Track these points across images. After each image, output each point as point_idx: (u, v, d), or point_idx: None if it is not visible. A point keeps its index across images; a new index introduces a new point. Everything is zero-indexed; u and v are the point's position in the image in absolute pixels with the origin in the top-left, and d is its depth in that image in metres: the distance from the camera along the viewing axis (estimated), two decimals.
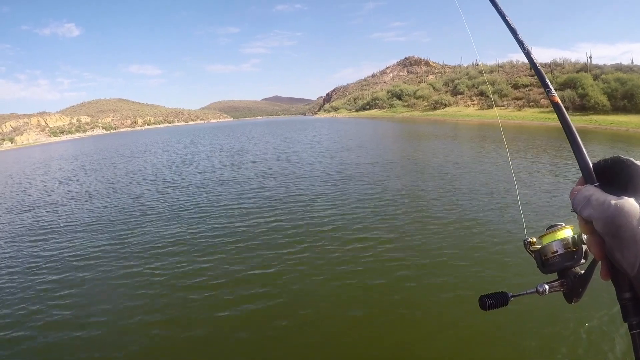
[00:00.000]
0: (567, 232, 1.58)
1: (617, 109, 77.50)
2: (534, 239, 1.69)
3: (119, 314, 11.25)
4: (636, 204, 1.09)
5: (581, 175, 1.36)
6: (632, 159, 1.22)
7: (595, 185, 1.25)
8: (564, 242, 1.56)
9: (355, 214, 18.84)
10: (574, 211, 1.26)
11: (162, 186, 30.84)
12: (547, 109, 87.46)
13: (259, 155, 46.84)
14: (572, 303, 1.56)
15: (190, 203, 24.12)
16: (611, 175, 1.26)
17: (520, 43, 2.09)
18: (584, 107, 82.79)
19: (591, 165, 1.34)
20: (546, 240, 1.61)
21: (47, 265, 15.68)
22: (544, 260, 1.61)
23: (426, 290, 11.06)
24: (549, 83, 1.70)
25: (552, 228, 1.62)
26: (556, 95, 1.64)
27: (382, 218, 17.78)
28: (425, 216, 17.37)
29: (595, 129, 64.05)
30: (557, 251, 1.56)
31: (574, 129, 1.45)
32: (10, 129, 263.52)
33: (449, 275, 11.82)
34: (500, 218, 14.87)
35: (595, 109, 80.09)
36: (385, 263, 13.02)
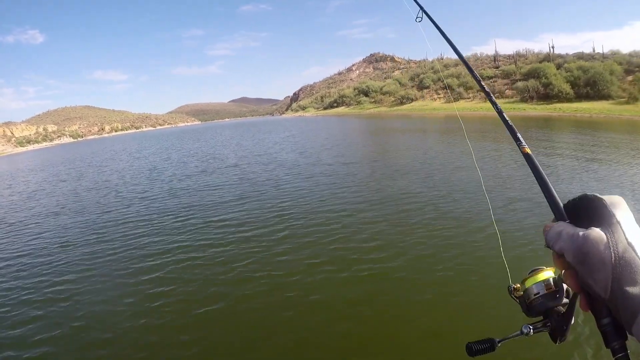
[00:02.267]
0: (547, 274, 1.63)
1: (580, 97, 79.08)
2: (518, 285, 1.74)
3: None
4: (602, 232, 1.21)
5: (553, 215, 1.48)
6: (596, 194, 1.34)
7: (566, 222, 1.36)
8: (545, 283, 1.60)
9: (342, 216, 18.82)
10: (547, 246, 1.36)
11: (131, 196, 30.20)
12: (512, 100, 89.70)
13: (234, 159, 46.05)
14: (558, 342, 1.57)
15: (165, 213, 23.51)
16: (579, 211, 1.37)
17: (488, 94, 2.42)
18: (547, 95, 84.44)
19: (561, 205, 1.45)
20: (528, 283, 1.66)
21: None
22: (528, 304, 1.65)
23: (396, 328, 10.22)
24: (519, 136, 1.87)
25: (533, 271, 1.67)
26: (527, 147, 1.81)
27: (363, 223, 17.47)
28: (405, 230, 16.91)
29: (560, 116, 65.17)
30: (539, 293, 1.61)
31: (544, 175, 1.59)
32: None
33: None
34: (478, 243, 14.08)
35: (559, 97, 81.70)
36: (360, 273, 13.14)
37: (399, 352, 8.83)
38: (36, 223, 25.71)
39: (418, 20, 3.91)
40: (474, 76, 2.58)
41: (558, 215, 1.44)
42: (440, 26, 3.41)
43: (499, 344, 1.68)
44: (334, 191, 23.42)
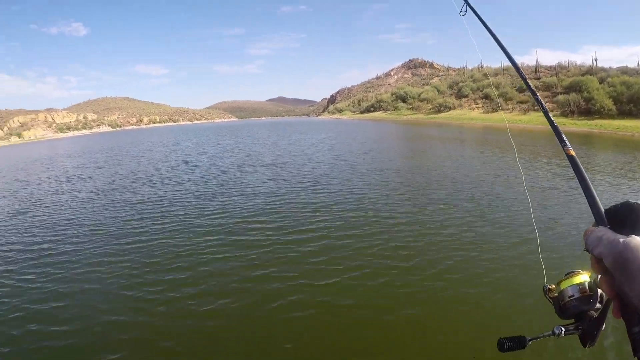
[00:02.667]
0: (583, 277, 1.64)
1: (623, 113, 76.30)
2: (553, 286, 1.75)
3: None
4: None
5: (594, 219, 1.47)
6: (639, 202, 1.35)
7: (607, 228, 1.36)
8: (581, 287, 1.62)
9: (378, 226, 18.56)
10: (587, 250, 1.37)
11: (166, 188, 30.48)
12: (552, 113, 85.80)
13: (270, 158, 46.15)
14: (587, 347, 1.58)
15: (198, 207, 23.65)
16: (621, 218, 1.37)
17: (534, 93, 2.56)
18: (589, 111, 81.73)
19: (603, 210, 1.44)
20: (564, 285, 1.68)
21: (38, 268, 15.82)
22: (561, 305, 1.66)
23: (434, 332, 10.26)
24: (564, 137, 1.87)
25: (569, 274, 1.69)
26: (571, 148, 1.81)
27: (396, 233, 17.18)
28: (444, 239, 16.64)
29: (601, 133, 63.53)
30: (573, 295, 1.62)
31: (588, 179, 1.59)
32: (18, 124, 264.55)
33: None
34: (518, 258, 13.87)
35: (601, 113, 78.78)
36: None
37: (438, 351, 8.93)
38: (70, 207, 26.11)
39: (462, 13, 3.81)
40: (519, 74, 2.67)
41: (599, 220, 1.44)
42: (485, 21, 3.35)
43: (530, 342, 1.76)
44: (370, 197, 23.23)
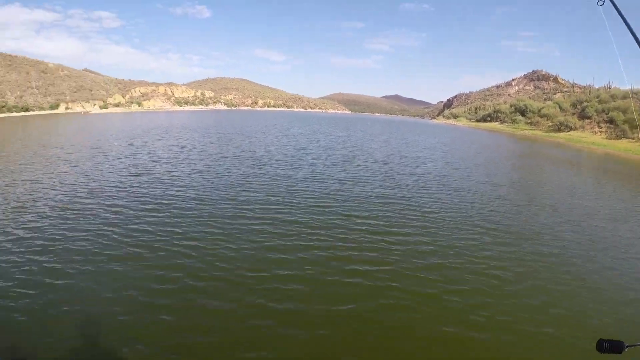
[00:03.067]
0: None
1: None
2: None
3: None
4: None
5: None
6: None
7: None
8: None
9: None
10: None
11: (274, 172, 31.01)
12: None
13: (381, 156, 46.12)
14: None
15: (306, 195, 23.99)
16: None
17: None
18: None
19: None
20: None
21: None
22: None
23: None
24: None
25: None
26: None
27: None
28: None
29: None
30: None
31: None
32: (139, 94, 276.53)
33: None
34: None
35: None
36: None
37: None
38: (179, 177, 27.61)
39: (600, 3, 3.70)
40: None
41: None
42: (623, 14, 3.10)
43: (626, 349, 1.87)
44: (479, 212, 22.69)
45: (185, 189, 24.27)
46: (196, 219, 18.17)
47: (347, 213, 20.46)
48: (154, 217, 18.37)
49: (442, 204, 23.65)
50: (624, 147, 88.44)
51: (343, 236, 16.87)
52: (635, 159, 71.04)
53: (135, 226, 16.86)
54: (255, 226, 17.44)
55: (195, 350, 9.35)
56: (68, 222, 17.53)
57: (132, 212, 18.95)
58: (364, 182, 29.17)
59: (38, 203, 20.47)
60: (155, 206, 20.27)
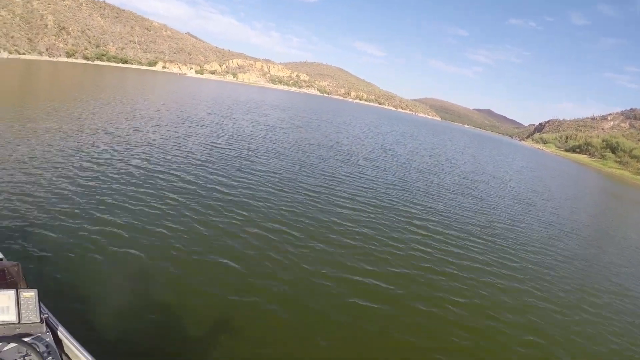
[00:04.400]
0: None
1: None
2: None
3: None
4: None
5: None
6: None
7: None
8: None
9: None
10: None
11: (355, 170, 30.43)
12: None
13: (468, 171, 45.21)
14: None
15: (389, 200, 23.55)
16: None
17: None
18: None
19: None
20: None
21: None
22: None
23: None
24: None
25: None
26: None
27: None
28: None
29: None
30: None
31: None
32: (236, 65, 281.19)
33: None
34: None
35: None
36: None
37: None
38: (257, 156, 28.11)
39: None
40: None
41: None
42: None
43: None
44: (566, 245, 22.46)
45: (263, 167, 24.69)
46: (264, 204, 17.99)
47: (418, 227, 19.54)
48: (218, 195, 18.10)
49: (530, 234, 23.00)
50: None
51: (420, 253, 16.12)
52: None
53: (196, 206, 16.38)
54: (333, 233, 16.34)
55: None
56: (129, 177, 18.18)
57: (199, 189, 18.45)
58: (447, 193, 28.82)
59: (104, 156, 21.17)
60: (223, 180, 20.45)
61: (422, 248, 16.30)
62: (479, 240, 19.19)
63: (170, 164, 21.26)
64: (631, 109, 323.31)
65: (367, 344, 9.58)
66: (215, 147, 28.11)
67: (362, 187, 24.97)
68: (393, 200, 23.22)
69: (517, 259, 17.75)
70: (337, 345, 9.29)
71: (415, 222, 19.87)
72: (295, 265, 12.48)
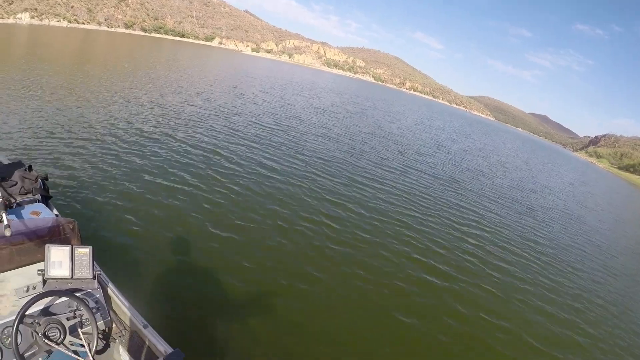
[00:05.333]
0: None
1: None
2: None
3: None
4: None
5: None
6: None
7: None
8: None
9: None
10: None
11: (409, 164, 30.11)
12: None
13: (519, 177, 44.03)
14: None
15: (438, 201, 23.19)
16: None
17: None
18: None
19: None
20: None
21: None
22: None
23: None
24: None
25: None
26: None
27: None
28: None
29: None
30: None
31: None
32: (293, 46, 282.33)
33: None
34: None
35: None
36: None
37: None
38: (305, 139, 27.82)
39: None
40: None
41: None
42: None
43: None
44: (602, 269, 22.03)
45: (304, 153, 23.85)
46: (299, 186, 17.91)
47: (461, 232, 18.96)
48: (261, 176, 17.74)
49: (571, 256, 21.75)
50: None
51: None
52: None
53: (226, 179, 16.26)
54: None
55: None
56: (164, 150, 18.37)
57: (236, 166, 18.20)
58: (497, 198, 28.20)
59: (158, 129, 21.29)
60: (265, 162, 20.01)
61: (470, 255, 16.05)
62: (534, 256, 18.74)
63: (215, 140, 21.22)
64: None
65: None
66: (264, 126, 28.14)
67: (413, 182, 24.62)
68: (443, 200, 22.81)
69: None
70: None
71: (464, 228, 19.27)
72: (333, 257, 12.34)
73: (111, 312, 4.56)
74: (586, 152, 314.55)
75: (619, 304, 16.66)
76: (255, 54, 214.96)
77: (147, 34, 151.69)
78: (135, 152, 16.18)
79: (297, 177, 18.76)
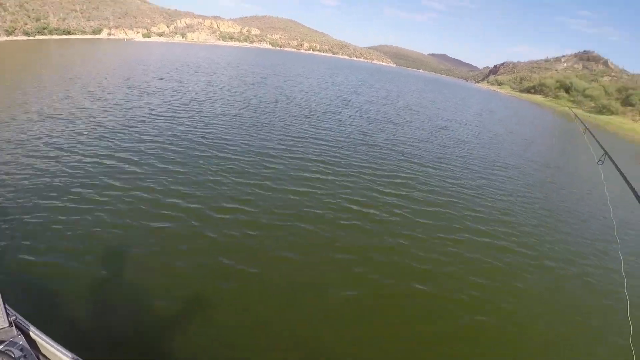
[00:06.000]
0: None
1: None
2: None
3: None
4: None
5: None
6: None
7: None
8: None
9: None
10: None
11: (307, 125, 30.53)
12: None
13: (427, 117, 45.51)
14: None
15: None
16: None
17: None
18: None
19: None
20: None
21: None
22: None
23: None
24: None
25: None
26: None
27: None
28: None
29: None
30: None
31: None
32: (184, 25, 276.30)
33: None
34: None
35: None
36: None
37: None
38: (205, 123, 27.17)
39: (600, 163, 4.35)
40: None
41: None
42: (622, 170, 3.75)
43: None
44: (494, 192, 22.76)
45: (207, 139, 23.51)
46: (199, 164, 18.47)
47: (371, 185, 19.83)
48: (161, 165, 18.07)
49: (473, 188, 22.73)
50: None
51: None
52: None
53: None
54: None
55: None
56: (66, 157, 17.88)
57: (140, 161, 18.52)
58: (408, 144, 28.95)
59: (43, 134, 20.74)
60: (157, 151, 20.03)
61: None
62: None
63: (109, 144, 20.23)
64: (584, 51, 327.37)
65: None
66: (162, 116, 27.33)
67: (323, 145, 24.87)
68: (358, 157, 23.49)
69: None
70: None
71: (384, 179, 19.61)
72: (253, 246, 12.31)
73: (41, 357, 4.34)
74: (488, 82, 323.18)
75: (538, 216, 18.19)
76: (147, 39, 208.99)
77: (31, 38, 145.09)
78: (24, 174, 15.22)
79: (205, 166, 18.40)
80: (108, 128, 22.87)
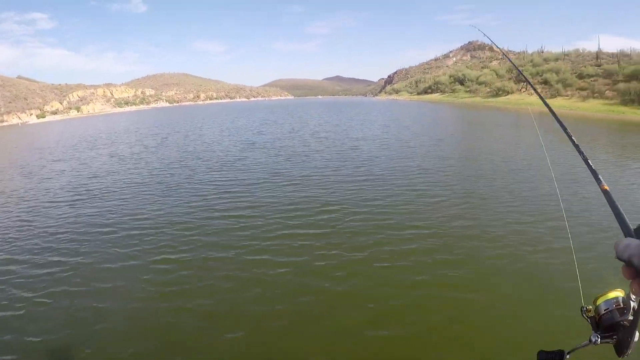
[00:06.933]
0: (617, 293, 1.96)
1: None
2: (590, 307, 2.03)
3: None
4: None
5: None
6: None
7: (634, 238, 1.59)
8: (615, 301, 1.92)
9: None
10: (617, 258, 1.58)
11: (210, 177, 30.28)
12: (612, 101, 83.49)
13: (334, 141, 46.46)
14: (622, 356, 1.79)
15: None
16: None
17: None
18: None
19: (631, 227, 1.70)
20: (599, 301, 1.99)
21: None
22: (597, 320, 1.96)
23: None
24: (600, 177, 2.18)
25: (604, 292, 2.00)
26: (605, 184, 2.12)
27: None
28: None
29: None
30: (608, 309, 1.92)
31: (622, 211, 1.83)
32: (77, 98, 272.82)
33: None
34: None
35: None
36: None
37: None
38: (107, 197, 26.13)
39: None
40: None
41: (627, 233, 1.68)
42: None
43: (568, 355, 2.01)
44: (428, 187, 22.99)
45: (108, 206, 23.14)
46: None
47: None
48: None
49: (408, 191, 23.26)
50: (558, 104, 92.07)
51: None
52: (569, 113, 77.51)
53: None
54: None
55: None
56: None
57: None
58: (321, 174, 28.26)
59: None
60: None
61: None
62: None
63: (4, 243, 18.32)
64: (469, 42, 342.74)
65: None
66: (58, 202, 25.11)
67: (234, 195, 23.87)
68: (269, 200, 22.34)
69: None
70: None
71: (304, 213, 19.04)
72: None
73: None
74: (385, 92, 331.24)
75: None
76: (42, 120, 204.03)
77: None
78: None
79: (112, 252, 16.20)
80: (2, 227, 20.63)
